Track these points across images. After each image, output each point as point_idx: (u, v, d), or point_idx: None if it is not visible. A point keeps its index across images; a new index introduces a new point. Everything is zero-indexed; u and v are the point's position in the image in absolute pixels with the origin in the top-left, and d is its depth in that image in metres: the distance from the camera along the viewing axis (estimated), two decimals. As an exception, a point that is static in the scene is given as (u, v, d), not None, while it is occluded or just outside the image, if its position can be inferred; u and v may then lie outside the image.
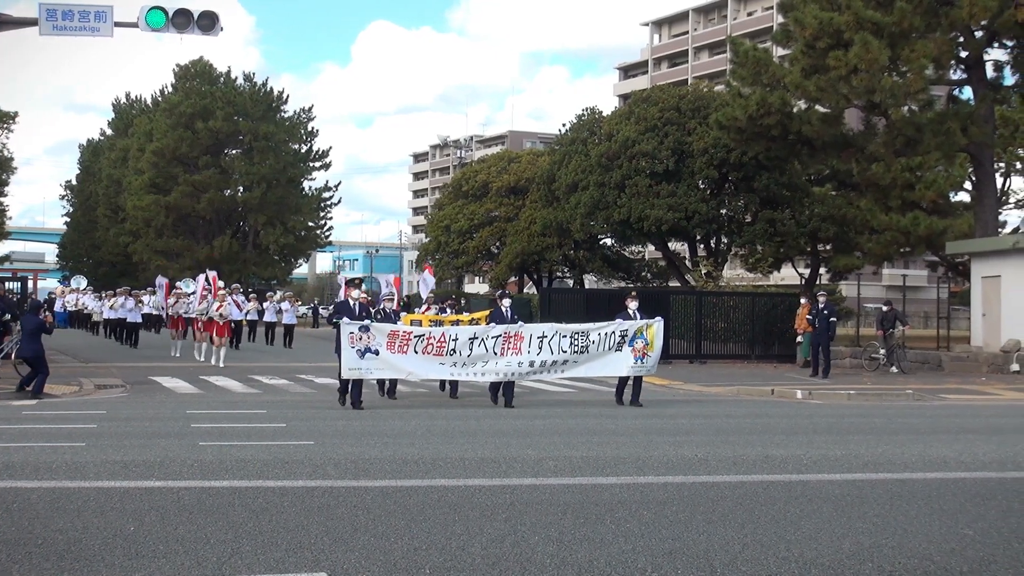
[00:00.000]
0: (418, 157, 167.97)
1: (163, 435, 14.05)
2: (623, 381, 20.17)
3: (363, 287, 21.02)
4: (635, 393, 19.97)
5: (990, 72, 34.65)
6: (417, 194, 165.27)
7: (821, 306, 28.85)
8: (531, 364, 19.53)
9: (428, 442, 13.62)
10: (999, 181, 42.63)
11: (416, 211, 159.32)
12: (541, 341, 19.56)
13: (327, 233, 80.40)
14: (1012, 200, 48.26)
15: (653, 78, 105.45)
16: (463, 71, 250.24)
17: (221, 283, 32.86)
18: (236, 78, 75.09)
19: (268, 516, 8.70)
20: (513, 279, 65.27)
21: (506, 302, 20.56)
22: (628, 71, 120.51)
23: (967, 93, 35.59)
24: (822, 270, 47.47)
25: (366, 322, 18.96)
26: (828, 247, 45.34)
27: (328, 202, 78.76)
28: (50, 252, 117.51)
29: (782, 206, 43.77)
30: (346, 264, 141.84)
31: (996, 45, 33.97)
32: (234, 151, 74.10)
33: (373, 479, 10.64)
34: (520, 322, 20.13)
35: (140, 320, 39.36)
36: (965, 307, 40.58)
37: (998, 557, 7.66)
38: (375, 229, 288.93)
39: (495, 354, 19.34)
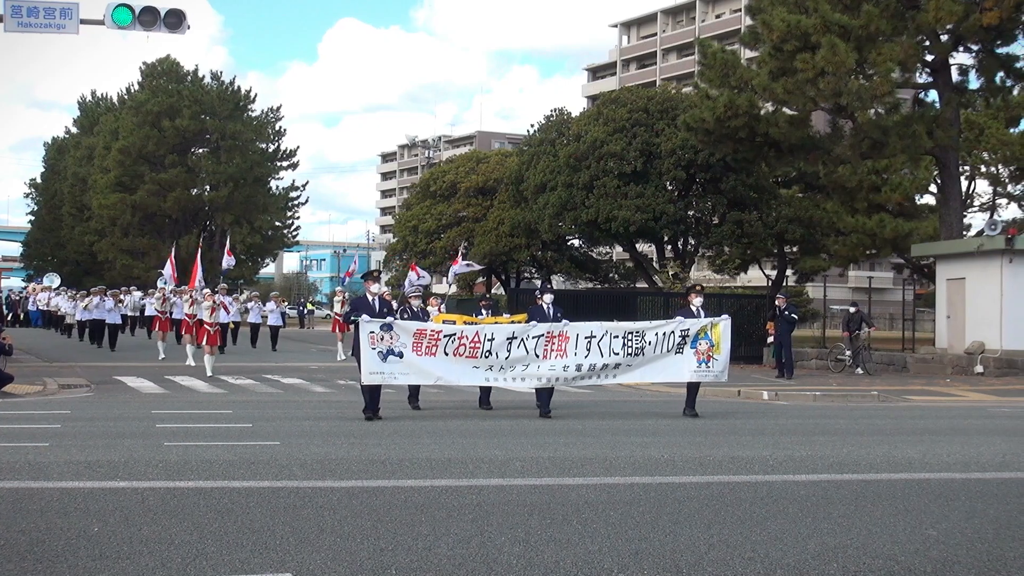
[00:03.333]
0: (386, 157, 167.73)
1: (128, 435, 13.96)
2: (693, 388, 18.28)
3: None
4: (689, 400, 18.21)
5: (955, 76, 34.86)
6: (385, 194, 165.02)
7: (783, 307, 29.09)
8: (578, 368, 17.65)
9: (395, 442, 13.59)
10: (964, 184, 42.90)
11: (384, 211, 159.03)
12: (589, 342, 17.63)
13: (294, 233, 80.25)
14: (977, 203, 48.56)
15: (622, 79, 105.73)
16: (431, 70, 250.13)
17: (201, 283, 31.38)
18: (203, 77, 74.85)
19: (233, 517, 8.66)
20: (481, 280, 65.29)
21: (547, 298, 18.64)
22: (597, 72, 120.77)
23: (933, 96, 35.79)
24: (789, 271, 47.68)
25: (389, 320, 17.01)
26: (795, 249, 45.57)
27: (295, 202, 78.61)
28: (14, 250, 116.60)
29: (749, 208, 43.94)
30: (313, 264, 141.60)
31: (962, 49, 34.19)
32: (201, 150, 73.83)
33: (339, 480, 10.61)
34: (565, 320, 18.03)
35: (119, 321, 37.55)
36: (930, 309, 40.87)
37: (961, 557, 7.71)
38: (342, 229, 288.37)
39: (536, 356, 17.40)
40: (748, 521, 8.81)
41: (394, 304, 19.49)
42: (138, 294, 43.71)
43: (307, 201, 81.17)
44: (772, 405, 21.66)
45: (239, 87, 75.03)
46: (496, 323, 18.77)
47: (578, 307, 33.77)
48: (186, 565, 7.16)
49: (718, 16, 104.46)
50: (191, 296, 29.75)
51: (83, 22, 23.50)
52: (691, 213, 45.75)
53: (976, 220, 47.81)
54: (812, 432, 15.86)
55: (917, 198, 43.23)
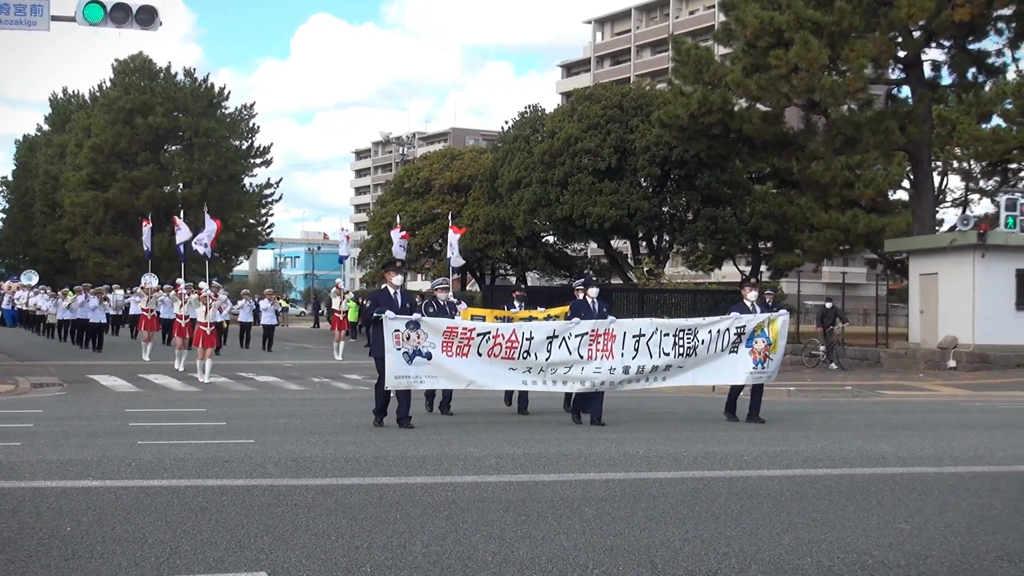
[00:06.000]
0: (360, 154, 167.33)
1: (101, 434, 13.89)
2: (736, 391, 17.00)
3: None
4: (753, 405, 16.73)
5: (928, 72, 35.06)
6: (359, 191, 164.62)
7: (771, 304, 29.19)
8: (625, 370, 15.98)
9: (369, 440, 13.56)
10: (936, 180, 43.16)
11: (358, 208, 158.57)
12: (638, 341, 15.97)
13: (268, 230, 79.97)
14: (949, 199, 48.86)
15: (596, 76, 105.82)
16: (404, 66, 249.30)
17: (202, 284, 29.64)
18: (176, 74, 74.46)
19: (207, 515, 8.61)
20: (456, 276, 65.18)
21: (593, 292, 16.64)
22: (571, 69, 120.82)
23: (905, 92, 35.99)
24: (763, 267, 47.84)
25: (415, 317, 15.24)
26: (769, 245, 45.76)
27: (269, 199, 78.33)
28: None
29: (723, 204, 44.09)
30: (287, 261, 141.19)
31: (934, 45, 34.39)
32: (174, 147, 73.45)
33: (314, 477, 10.56)
34: (611, 317, 16.24)
35: (104, 320, 36.09)
36: (903, 304, 41.11)
37: (934, 551, 7.74)
38: (316, 226, 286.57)
39: (580, 357, 15.65)
40: (723, 516, 8.82)
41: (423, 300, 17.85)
42: (120, 292, 42.91)
43: (280, 198, 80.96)
44: (746, 400, 21.68)
45: (212, 84, 74.72)
46: (532, 318, 17.31)
47: (551, 304, 33.75)
48: (160, 564, 7.11)
49: (692, 12, 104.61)
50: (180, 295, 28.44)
51: (54, 19, 23.33)
52: (665, 209, 45.87)
53: (949, 215, 48.15)
54: (786, 427, 15.91)
55: (890, 194, 43.48)
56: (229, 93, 75.42)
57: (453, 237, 29.64)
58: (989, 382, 26.75)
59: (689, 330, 16.34)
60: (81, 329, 35.87)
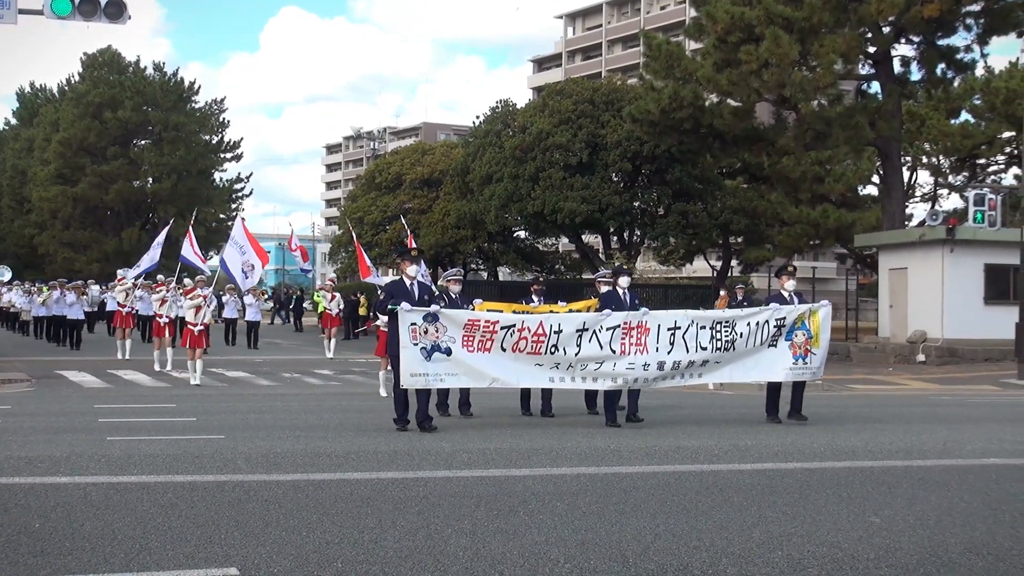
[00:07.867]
0: (331, 148, 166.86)
1: (70, 430, 13.80)
2: (774, 389, 16.07)
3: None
4: (795, 401, 15.90)
5: (897, 67, 35.24)
6: (330, 186, 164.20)
7: (740, 299, 29.26)
8: (660, 366, 14.93)
9: (341, 435, 13.53)
10: (906, 175, 43.39)
11: (329, 203, 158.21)
12: (673, 334, 14.94)
13: (238, 225, 79.59)
14: (918, 194, 49.19)
15: (567, 71, 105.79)
16: (374, 60, 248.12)
17: (188, 280, 28.75)
18: (145, 68, 74.11)
19: (177, 511, 8.57)
20: (428, 271, 65.03)
21: (623, 281, 15.72)
22: (542, 63, 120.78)
23: (875, 88, 36.19)
24: (734, 262, 47.98)
25: (434, 308, 14.05)
26: (740, 239, 45.87)
27: (239, 194, 78.06)
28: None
29: (694, 199, 44.16)
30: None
31: (903, 41, 34.57)
32: (143, 142, 73.10)
33: (285, 473, 10.53)
34: (644, 309, 15.31)
35: (83, 316, 35.01)
36: (873, 299, 41.28)
37: (904, 544, 7.78)
38: (286, 221, 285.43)
39: (612, 352, 14.62)
40: (694, 510, 8.84)
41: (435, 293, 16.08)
42: (96, 288, 42.26)
43: (251, 193, 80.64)
44: (717, 395, 21.79)
45: (182, 78, 74.44)
46: (552, 313, 15.73)
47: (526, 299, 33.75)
48: (129, 560, 7.07)
49: (663, 8, 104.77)
50: (164, 294, 27.39)
51: (21, 12, 23.10)
52: (636, 204, 45.88)
53: (918, 210, 48.47)
54: (757, 421, 15.95)
55: (860, 189, 43.74)
56: (199, 87, 75.20)
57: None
58: (958, 376, 26.92)
59: (727, 322, 15.40)
60: (58, 326, 35.23)
